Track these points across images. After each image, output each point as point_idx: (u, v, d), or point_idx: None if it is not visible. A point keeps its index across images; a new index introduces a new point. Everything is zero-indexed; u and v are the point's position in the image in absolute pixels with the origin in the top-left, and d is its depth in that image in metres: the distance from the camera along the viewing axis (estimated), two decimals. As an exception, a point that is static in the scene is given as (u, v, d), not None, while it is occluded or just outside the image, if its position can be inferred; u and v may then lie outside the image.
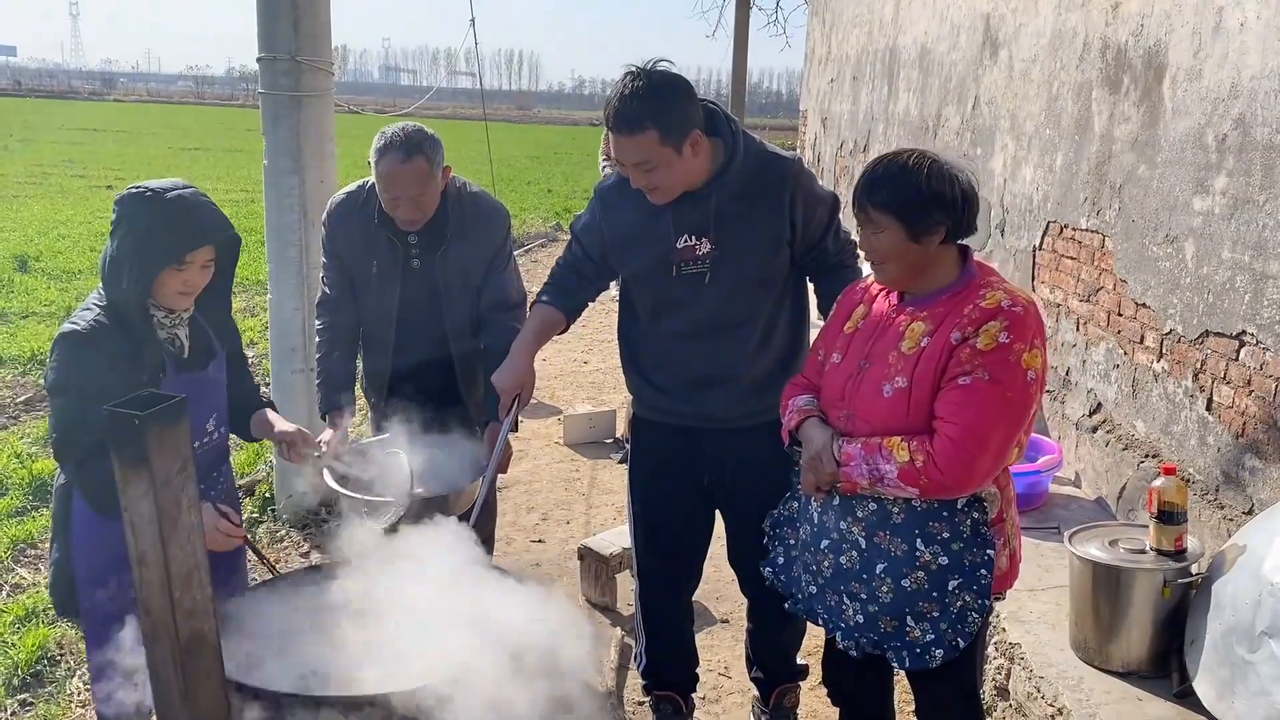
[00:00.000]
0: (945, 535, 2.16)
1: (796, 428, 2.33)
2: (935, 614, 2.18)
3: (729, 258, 2.61)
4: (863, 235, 2.19)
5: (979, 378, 2.02)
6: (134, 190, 2.34)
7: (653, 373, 2.84)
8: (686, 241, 2.61)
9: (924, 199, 2.07)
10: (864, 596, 2.24)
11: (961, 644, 2.18)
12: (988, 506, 2.17)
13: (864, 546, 2.22)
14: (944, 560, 2.16)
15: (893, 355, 2.15)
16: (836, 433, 2.23)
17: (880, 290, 2.30)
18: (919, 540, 2.16)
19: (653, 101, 2.41)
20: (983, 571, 2.16)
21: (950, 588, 2.17)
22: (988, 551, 2.16)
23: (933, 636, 2.19)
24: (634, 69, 2.46)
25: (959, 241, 2.18)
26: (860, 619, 2.26)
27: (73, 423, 2.26)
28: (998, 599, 2.29)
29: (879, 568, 2.20)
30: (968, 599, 2.17)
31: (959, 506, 2.15)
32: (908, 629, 2.21)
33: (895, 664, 2.25)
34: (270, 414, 2.75)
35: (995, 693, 3.26)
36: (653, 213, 2.62)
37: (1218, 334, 3.54)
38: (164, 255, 2.30)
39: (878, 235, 2.13)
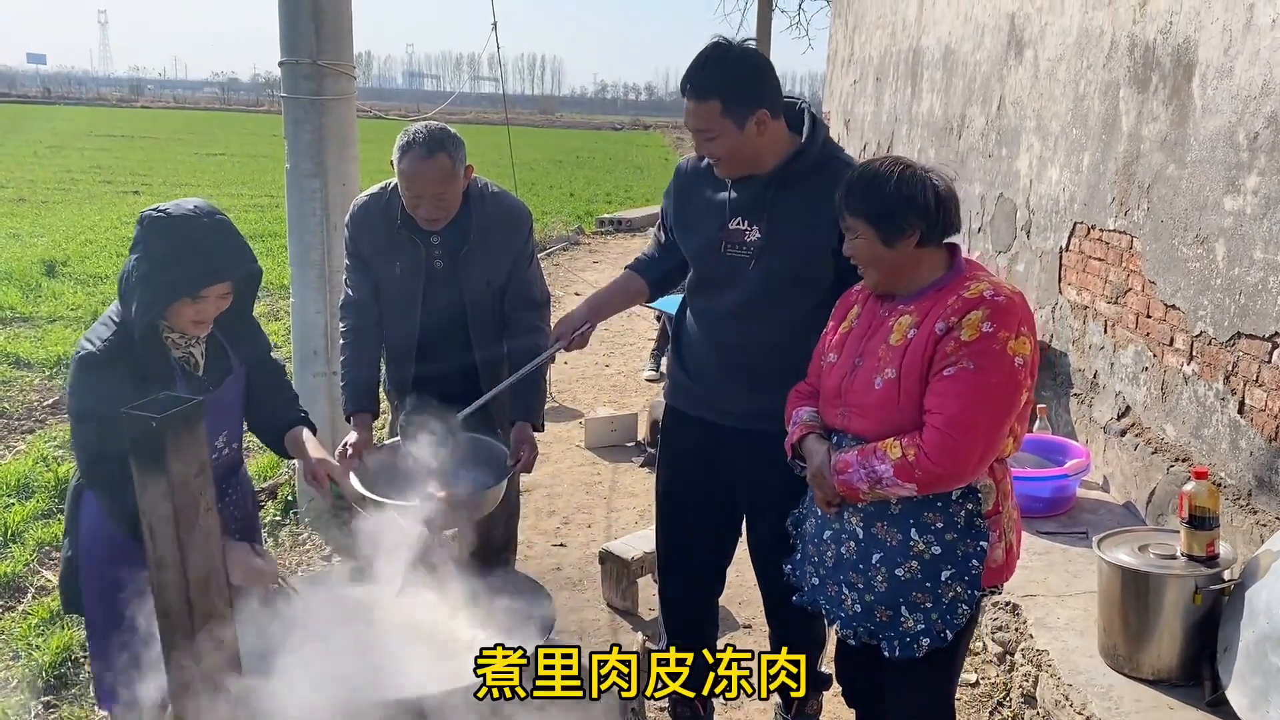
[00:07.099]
0: (939, 525, 2.18)
1: (799, 442, 2.37)
2: (928, 604, 2.21)
3: (774, 249, 2.63)
4: (845, 241, 2.26)
5: (963, 367, 2.07)
6: (154, 213, 2.25)
7: (686, 355, 2.88)
8: (738, 225, 2.67)
9: (893, 204, 2.14)
10: (861, 586, 2.27)
11: (949, 635, 2.21)
12: (982, 498, 2.19)
13: (861, 537, 2.26)
14: (937, 550, 2.19)
15: (882, 349, 2.21)
16: (833, 446, 2.28)
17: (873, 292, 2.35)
18: (913, 530, 2.20)
19: (722, 73, 2.49)
20: (974, 562, 2.18)
21: (943, 578, 2.19)
22: (981, 543, 2.19)
23: (923, 627, 2.21)
24: (719, 39, 2.55)
25: (947, 240, 2.22)
26: (858, 609, 2.29)
27: (98, 451, 2.19)
28: (993, 592, 2.32)
29: (875, 557, 2.24)
30: (959, 589, 2.19)
31: (954, 498, 2.18)
32: (902, 619, 2.23)
33: (886, 653, 2.26)
34: (305, 434, 2.66)
35: (1022, 700, 3.21)
36: (715, 191, 2.71)
37: (1250, 336, 3.47)
38: (178, 287, 2.22)
39: (855, 241, 2.22)
